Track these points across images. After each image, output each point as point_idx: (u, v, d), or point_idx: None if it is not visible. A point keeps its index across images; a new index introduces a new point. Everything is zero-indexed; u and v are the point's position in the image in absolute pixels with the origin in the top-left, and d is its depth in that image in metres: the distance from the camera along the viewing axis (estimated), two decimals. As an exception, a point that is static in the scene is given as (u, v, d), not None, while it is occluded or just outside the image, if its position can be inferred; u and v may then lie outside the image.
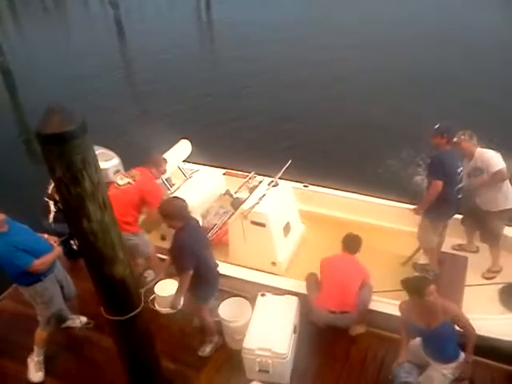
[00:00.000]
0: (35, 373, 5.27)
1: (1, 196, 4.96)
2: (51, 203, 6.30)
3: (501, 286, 5.90)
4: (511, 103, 11.70)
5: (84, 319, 5.78)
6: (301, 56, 15.83)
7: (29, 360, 5.31)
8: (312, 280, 5.63)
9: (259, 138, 11.25)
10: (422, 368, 4.60)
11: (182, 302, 5.14)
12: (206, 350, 5.40)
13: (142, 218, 6.27)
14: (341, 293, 5.27)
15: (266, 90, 13.86)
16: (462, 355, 4.45)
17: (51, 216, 6.32)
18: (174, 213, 4.84)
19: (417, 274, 6.04)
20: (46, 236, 5.17)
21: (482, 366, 4.92)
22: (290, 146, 10.49)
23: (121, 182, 5.88)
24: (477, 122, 7.48)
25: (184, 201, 5.01)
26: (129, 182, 5.85)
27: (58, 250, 5.11)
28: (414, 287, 4.33)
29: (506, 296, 5.45)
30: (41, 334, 5.25)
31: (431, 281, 4.44)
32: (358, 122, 11.43)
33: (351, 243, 5.50)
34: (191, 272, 4.79)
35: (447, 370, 4.42)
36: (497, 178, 5.76)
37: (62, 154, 2.96)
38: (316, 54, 15.66)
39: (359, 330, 5.50)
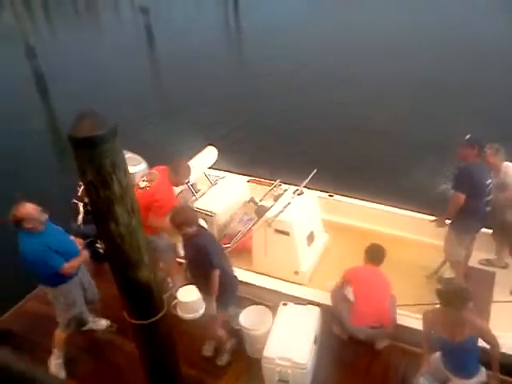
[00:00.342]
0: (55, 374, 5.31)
1: (32, 197, 5.11)
2: (80, 205, 6.40)
3: None
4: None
5: (107, 322, 5.83)
6: (329, 61, 15.91)
7: (48, 362, 5.36)
8: (338, 294, 5.55)
9: (286, 146, 11.27)
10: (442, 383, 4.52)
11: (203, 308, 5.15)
12: (223, 359, 5.42)
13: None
14: (378, 307, 5.28)
15: (293, 98, 13.89)
16: (483, 371, 4.37)
17: (80, 217, 6.42)
18: (189, 218, 4.96)
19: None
20: (72, 238, 5.25)
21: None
22: (316, 154, 10.51)
23: (141, 185, 5.86)
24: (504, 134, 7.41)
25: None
26: (147, 186, 5.83)
27: (85, 254, 5.19)
28: (455, 298, 4.16)
29: None
30: (60, 335, 5.31)
31: (471, 294, 4.30)
32: (383, 132, 11.40)
33: (376, 254, 5.43)
34: (219, 271, 4.86)
35: None
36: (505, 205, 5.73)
37: (92, 157, 3.01)
38: (345, 59, 15.73)
39: (384, 343, 5.43)
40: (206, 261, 4.89)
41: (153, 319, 3.88)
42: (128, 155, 7.03)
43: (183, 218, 4.95)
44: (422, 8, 20.75)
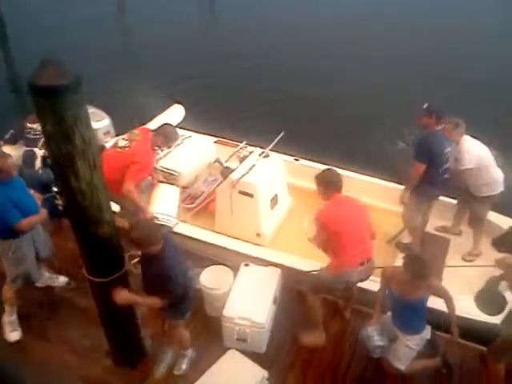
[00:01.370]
0: (10, 332, 5.19)
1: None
2: (39, 153, 6.17)
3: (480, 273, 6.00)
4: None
5: (65, 279, 5.75)
6: (294, 25, 15.61)
7: (2, 320, 5.24)
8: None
9: (253, 109, 11.11)
10: (390, 342, 4.66)
11: None
12: (183, 367, 4.91)
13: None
14: (361, 242, 4.71)
15: (261, 59, 13.63)
16: (428, 328, 4.55)
17: (37, 162, 6.21)
18: (153, 236, 3.93)
19: (400, 252, 6.11)
20: (31, 192, 5.07)
21: (454, 344, 4.95)
22: (283, 118, 10.36)
23: (121, 144, 5.59)
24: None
25: (151, 220, 4.82)
26: (126, 146, 5.54)
27: (43, 212, 4.96)
28: (420, 271, 4.17)
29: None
30: (7, 291, 5.12)
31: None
32: (350, 98, 11.37)
33: (338, 179, 4.75)
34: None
35: (411, 342, 4.50)
36: (461, 177, 5.87)
37: (53, 108, 2.90)
38: (308, 27, 15.44)
39: (349, 313, 5.51)
40: (167, 283, 4.05)
41: (112, 277, 3.86)
42: (91, 110, 6.80)
43: (147, 237, 3.89)
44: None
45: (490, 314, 4.75)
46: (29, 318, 5.35)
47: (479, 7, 17.08)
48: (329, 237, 4.59)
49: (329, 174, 4.79)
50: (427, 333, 4.56)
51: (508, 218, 6.52)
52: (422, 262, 4.25)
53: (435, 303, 4.58)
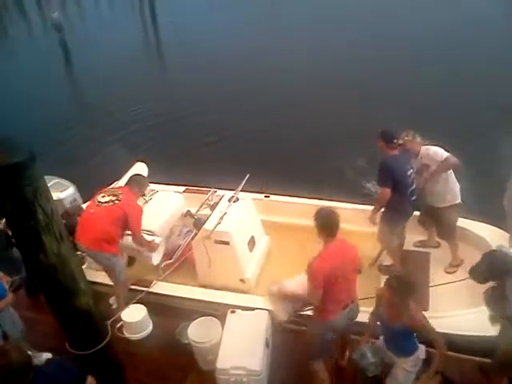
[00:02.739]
0: None
1: None
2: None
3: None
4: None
5: (48, 355, 5.54)
6: (250, 63, 15.95)
7: None
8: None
9: (215, 153, 11.17)
10: (389, 367, 4.58)
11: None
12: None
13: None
14: (348, 287, 4.63)
15: (215, 102, 13.78)
16: (422, 348, 4.45)
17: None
18: None
19: (382, 275, 6.08)
20: (1, 275, 4.95)
21: (453, 359, 4.87)
22: (247, 157, 10.47)
23: (102, 200, 5.65)
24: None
25: None
26: (112, 201, 5.63)
27: (10, 297, 4.89)
28: (401, 289, 4.12)
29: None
30: None
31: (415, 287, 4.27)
32: (311, 131, 11.54)
33: (335, 223, 4.55)
34: None
35: (407, 364, 4.42)
36: (445, 165, 5.87)
37: (11, 186, 2.85)
38: (266, 62, 15.78)
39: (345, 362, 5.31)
40: None
41: (96, 348, 3.74)
42: (55, 180, 6.80)
43: None
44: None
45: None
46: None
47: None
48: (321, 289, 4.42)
49: (324, 216, 4.57)
50: (421, 352, 4.48)
51: (478, 223, 6.64)
52: (404, 279, 4.26)
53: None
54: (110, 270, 5.85)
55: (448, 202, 6.06)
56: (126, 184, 5.97)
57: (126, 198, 5.71)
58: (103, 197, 5.72)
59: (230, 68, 15.78)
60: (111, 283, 6.06)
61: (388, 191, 5.68)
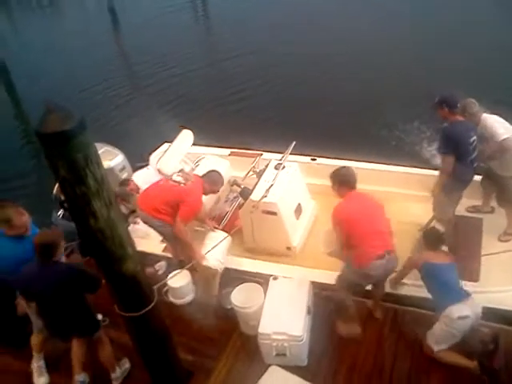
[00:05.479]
0: (38, 378, 5.23)
1: (5, 192, 5.00)
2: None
3: None
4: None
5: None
6: (297, 32, 15.69)
7: (31, 367, 5.26)
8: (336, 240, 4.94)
9: (260, 115, 11.20)
10: None
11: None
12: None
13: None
14: (379, 235, 4.75)
15: (261, 67, 13.81)
16: (478, 304, 4.61)
17: (61, 211, 6.33)
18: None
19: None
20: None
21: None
22: (295, 119, 10.44)
23: (175, 178, 5.90)
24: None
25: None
26: (180, 182, 5.83)
27: None
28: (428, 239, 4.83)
29: None
30: (34, 338, 5.16)
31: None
32: (362, 91, 11.41)
33: (352, 176, 4.83)
34: None
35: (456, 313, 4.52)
36: (502, 148, 5.70)
37: (63, 152, 2.93)
38: (315, 31, 15.53)
39: (380, 312, 5.40)
40: None
41: (143, 310, 3.86)
42: (104, 148, 6.95)
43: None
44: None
45: None
46: (65, 358, 5.31)
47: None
48: (347, 233, 4.68)
49: (342, 171, 4.87)
50: (476, 305, 4.54)
51: None
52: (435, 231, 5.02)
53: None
54: (163, 236, 6.11)
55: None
56: (203, 176, 6.03)
57: (194, 186, 5.81)
58: (177, 175, 5.95)
59: (280, 33, 15.64)
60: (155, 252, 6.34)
61: (452, 159, 5.43)
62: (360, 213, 4.71)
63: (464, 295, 4.57)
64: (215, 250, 5.77)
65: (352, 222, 4.66)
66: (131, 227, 6.33)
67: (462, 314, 4.44)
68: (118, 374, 5.08)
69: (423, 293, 4.92)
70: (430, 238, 4.96)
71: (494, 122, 5.75)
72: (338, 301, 5.19)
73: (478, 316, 4.54)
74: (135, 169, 7.42)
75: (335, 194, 4.90)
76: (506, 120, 5.92)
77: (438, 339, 4.64)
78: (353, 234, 4.67)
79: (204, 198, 6.11)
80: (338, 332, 5.19)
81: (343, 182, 4.80)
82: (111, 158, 7.03)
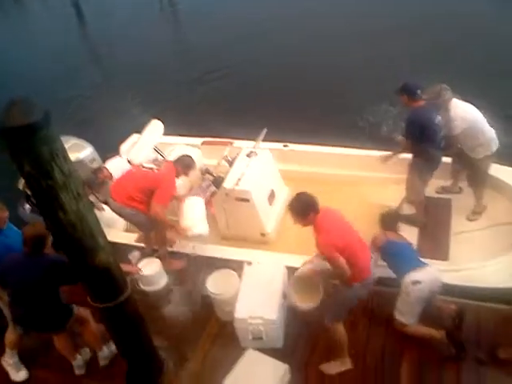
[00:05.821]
0: (16, 373, 5.20)
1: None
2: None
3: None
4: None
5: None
6: (266, 12, 15.60)
7: (4, 364, 5.22)
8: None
9: (230, 102, 11.13)
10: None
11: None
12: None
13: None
14: (361, 241, 4.66)
15: (230, 53, 13.69)
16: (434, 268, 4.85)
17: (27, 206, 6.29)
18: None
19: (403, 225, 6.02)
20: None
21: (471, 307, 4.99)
22: (266, 106, 10.38)
23: (146, 165, 6.03)
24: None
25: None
26: (152, 169, 5.94)
27: None
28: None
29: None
30: (10, 335, 5.11)
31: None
32: (331, 75, 11.38)
33: (313, 199, 4.44)
34: None
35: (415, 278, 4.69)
36: (459, 141, 5.90)
37: (27, 147, 2.89)
38: (283, 10, 15.45)
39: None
40: None
41: (118, 300, 3.86)
42: (72, 141, 6.87)
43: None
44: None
45: None
46: (42, 351, 5.35)
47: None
48: (346, 258, 4.28)
49: (301, 199, 4.43)
50: (432, 273, 4.71)
51: (503, 167, 6.49)
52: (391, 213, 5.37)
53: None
54: (136, 225, 6.15)
55: (480, 154, 5.95)
56: (174, 161, 6.06)
57: (167, 171, 5.88)
58: (148, 163, 6.15)
59: (247, 23, 15.48)
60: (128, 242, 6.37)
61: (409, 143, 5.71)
62: (343, 231, 4.46)
63: (419, 264, 4.77)
64: (196, 216, 5.93)
65: (345, 246, 4.30)
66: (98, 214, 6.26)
67: (414, 278, 4.62)
68: (105, 353, 5.10)
69: (390, 273, 5.02)
70: (386, 220, 5.18)
71: (459, 113, 5.81)
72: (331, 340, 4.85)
73: (433, 283, 4.67)
74: (105, 160, 7.34)
75: (302, 224, 4.45)
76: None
77: (401, 310, 4.78)
78: (349, 254, 4.31)
79: (178, 186, 6.12)
80: (326, 373, 4.88)
81: (307, 209, 4.36)
82: (80, 151, 6.95)
